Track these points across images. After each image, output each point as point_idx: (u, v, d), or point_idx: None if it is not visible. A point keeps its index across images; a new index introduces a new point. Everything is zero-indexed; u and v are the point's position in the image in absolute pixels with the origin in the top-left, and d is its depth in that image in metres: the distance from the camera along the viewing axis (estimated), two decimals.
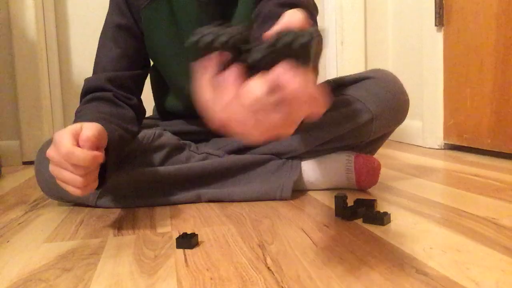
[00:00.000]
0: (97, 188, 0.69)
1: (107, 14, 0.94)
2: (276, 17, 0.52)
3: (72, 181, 0.63)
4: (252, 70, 0.39)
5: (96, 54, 0.93)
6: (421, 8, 1.60)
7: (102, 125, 0.68)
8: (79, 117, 0.79)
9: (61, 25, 1.77)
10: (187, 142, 0.94)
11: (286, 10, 0.53)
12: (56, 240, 0.69)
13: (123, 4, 0.91)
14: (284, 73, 0.38)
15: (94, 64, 0.93)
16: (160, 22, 0.91)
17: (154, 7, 0.90)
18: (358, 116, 0.91)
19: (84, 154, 0.60)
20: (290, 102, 0.38)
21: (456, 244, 0.58)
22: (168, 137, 0.93)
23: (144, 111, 0.96)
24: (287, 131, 0.41)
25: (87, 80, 0.91)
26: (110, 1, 0.95)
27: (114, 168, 0.77)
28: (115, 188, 0.86)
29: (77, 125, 0.65)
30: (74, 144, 0.62)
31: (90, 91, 0.89)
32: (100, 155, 0.63)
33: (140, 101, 0.95)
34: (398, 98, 0.94)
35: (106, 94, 0.87)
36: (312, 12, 0.73)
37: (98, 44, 0.94)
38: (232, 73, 0.40)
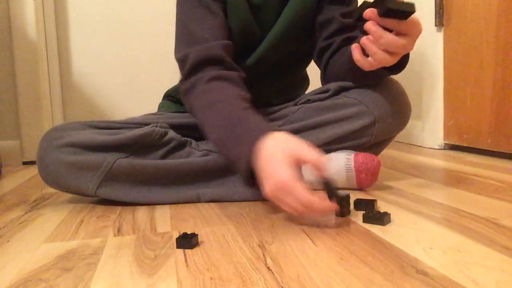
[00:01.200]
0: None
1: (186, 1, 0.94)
2: None
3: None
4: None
5: (190, 26, 0.91)
6: (421, 8, 1.60)
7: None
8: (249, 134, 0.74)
9: (61, 25, 1.77)
10: (188, 139, 0.95)
11: None
12: (56, 240, 0.69)
13: None
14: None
15: (187, 35, 0.91)
16: (238, 5, 0.95)
17: None
18: (360, 119, 0.92)
19: (323, 206, 0.64)
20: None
21: (456, 244, 0.58)
22: (172, 135, 0.93)
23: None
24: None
25: (197, 51, 0.87)
26: None
27: None
28: (116, 177, 0.86)
29: (290, 150, 0.65)
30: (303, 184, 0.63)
31: (203, 62, 0.87)
32: (333, 207, 0.65)
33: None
34: (400, 102, 0.95)
35: (228, 73, 0.86)
36: None
37: (189, 16, 0.92)
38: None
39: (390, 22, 0.72)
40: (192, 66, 0.87)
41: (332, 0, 1.00)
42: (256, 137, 0.69)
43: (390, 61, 0.76)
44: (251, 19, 0.97)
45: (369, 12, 0.72)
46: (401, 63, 0.84)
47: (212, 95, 0.83)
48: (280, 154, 0.65)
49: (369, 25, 0.73)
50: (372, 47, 0.75)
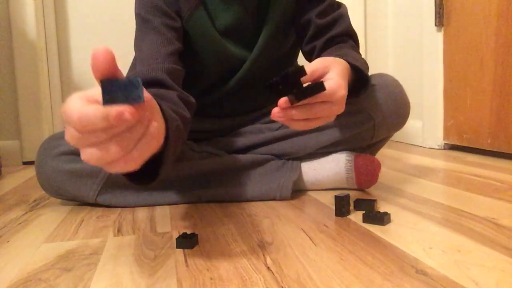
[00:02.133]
0: (146, 181, 0.54)
1: (143, 15, 0.86)
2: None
3: (105, 155, 0.42)
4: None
5: (141, 48, 0.85)
6: (421, 8, 1.60)
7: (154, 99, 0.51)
8: None
9: (61, 25, 1.77)
10: (188, 141, 0.95)
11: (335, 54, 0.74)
12: (56, 240, 0.69)
13: (172, 11, 0.86)
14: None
15: (140, 58, 0.83)
16: (203, 30, 0.88)
17: (195, 18, 0.88)
18: (360, 122, 0.91)
19: (95, 110, 0.39)
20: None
21: (456, 244, 0.58)
22: None
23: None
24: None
25: (140, 73, 0.79)
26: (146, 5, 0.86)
27: (171, 157, 0.57)
28: (115, 183, 0.86)
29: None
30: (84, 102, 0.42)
31: (146, 85, 0.76)
32: (124, 110, 0.38)
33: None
34: (399, 104, 0.94)
35: (170, 93, 0.74)
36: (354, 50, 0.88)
37: (141, 38, 0.86)
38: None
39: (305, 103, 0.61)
40: None
41: (309, 0, 0.93)
42: None
43: (320, 122, 0.65)
44: (223, 47, 0.91)
45: (282, 103, 0.59)
46: (365, 83, 0.80)
47: None
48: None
49: (276, 115, 0.61)
50: (290, 122, 0.63)
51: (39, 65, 1.63)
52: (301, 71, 0.57)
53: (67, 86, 1.78)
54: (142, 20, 0.86)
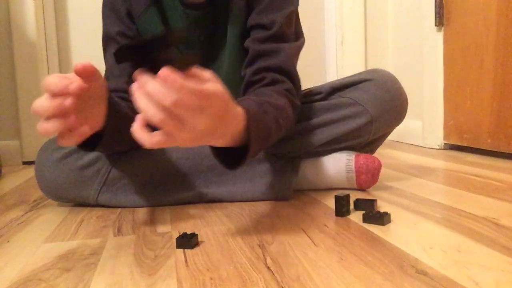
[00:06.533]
0: (88, 146, 0.67)
1: (104, 24, 0.91)
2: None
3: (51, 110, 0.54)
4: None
5: (107, 61, 0.91)
6: (421, 8, 1.60)
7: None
8: None
9: (61, 25, 1.77)
10: None
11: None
12: (56, 240, 0.69)
13: (124, 14, 0.89)
14: None
15: (106, 72, 0.90)
16: (152, 30, 0.89)
17: (147, 17, 0.89)
18: (357, 118, 0.92)
19: (54, 77, 0.53)
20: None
21: (456, 244, 0.58)
22: None
23: None
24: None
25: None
26: (104, 10, 0.91)
27: (112, 136, 0.70)
28: (116, 182, 0.87)
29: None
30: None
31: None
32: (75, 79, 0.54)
33: None
34: (396, 99, 0.94)
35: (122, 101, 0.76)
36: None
37: (106, 52, 0.91)
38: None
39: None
40: None
41: (254, 26, 0.87)
42: None
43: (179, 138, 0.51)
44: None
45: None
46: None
47: None
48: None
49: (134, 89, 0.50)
50: (142, 101, 0.48)
51: (39, 65, 1.63)
52: (165, 38, 0.44)
53: None
54: (103, 29, 0.91)
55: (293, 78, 0.84)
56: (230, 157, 0.64)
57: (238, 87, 0.86)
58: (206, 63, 0.91)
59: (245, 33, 0.89)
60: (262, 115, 0.65)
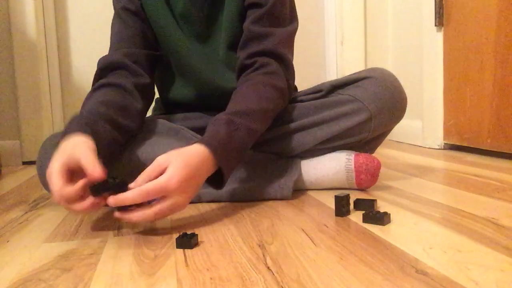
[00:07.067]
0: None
1: (113, 1, 0.98)
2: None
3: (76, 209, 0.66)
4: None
5: (110, 37, 0.96)
6: (421, 8, 1.60)
7: (91, 134, 0.70)
8: (80, 113, 0.78)
9: (61, 25, 1.77)
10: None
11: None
12: (56, 240, 0.69)
13: None
14: None
15: (109, 47, 0.95)
16: (159, 11, 0.94)
17: None
18: (356, 115, 0.92)
19: (58, 199, 0.63)
20: None
21: (456, 244, 0.58)
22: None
23: (153, 94, 0.98)
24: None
25: (103, 58, 0.91)
26: None
27: (108, 161, 0.77)
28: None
29: (58, 158, 0.65)
30: (63, 180, 0.63)
31: (106, 67, 0.90)
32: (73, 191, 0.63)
33: (152, 83, 0.96)
34: (396, 96, 0.94)
35: (118, 80, 0.87)
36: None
37: (111, 28, 0.97)
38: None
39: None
40: (96, 73, 0.91)
41: (250, 4, 0.91)
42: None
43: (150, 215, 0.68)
44: (176, 30, 0.95)
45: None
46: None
47: (85, 102, 0.84)
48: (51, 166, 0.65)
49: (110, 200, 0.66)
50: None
51: (39, 65, 1.63)
52: (123, 186, 0.65)
53: (67, 86, 1.78)
54: (114, 8, 0.97)
55: (283, 59, 0.89)
56: (212, 177, 0.74)
57: (235, 64, 0.93)
58: (205, 41, 0.97)
59: (243, 12, 0.93)
60: (229, 138, 0.74)
